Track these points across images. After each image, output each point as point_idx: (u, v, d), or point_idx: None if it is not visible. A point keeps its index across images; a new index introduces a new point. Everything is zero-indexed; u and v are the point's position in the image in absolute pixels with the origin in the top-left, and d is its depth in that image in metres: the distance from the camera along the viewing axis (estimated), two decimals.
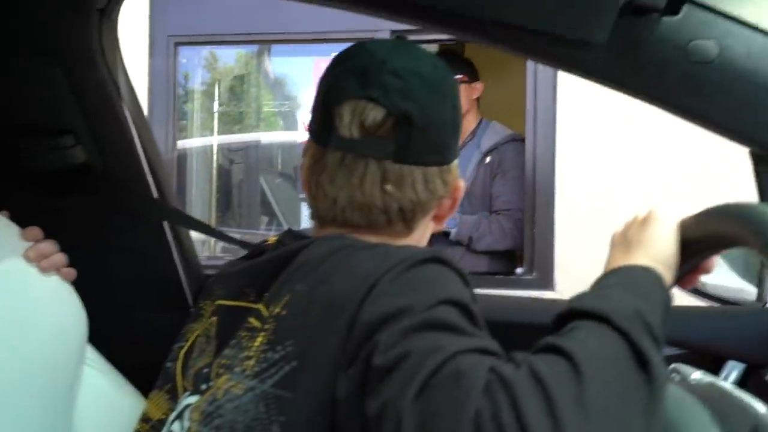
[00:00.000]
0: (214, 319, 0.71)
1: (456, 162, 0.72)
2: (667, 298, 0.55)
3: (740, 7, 0.65)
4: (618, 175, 2.10)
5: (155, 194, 0.94)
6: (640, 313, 0.49)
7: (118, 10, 0.88)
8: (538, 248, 2.20)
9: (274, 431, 0.55)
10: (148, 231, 0.95)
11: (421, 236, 0.72)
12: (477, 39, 0.74)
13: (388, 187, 0.66)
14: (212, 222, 3.54)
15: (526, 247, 2.22)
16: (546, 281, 2.19)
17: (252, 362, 0.58)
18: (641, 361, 0.47)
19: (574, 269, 2.07)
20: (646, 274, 0.55)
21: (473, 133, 2.28)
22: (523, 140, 2.22)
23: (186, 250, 1.01)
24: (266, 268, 0.66)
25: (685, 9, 0.64)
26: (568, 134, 2.15)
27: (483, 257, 2.17)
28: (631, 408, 0.45)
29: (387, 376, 0.49)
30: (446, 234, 2.15)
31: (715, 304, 1.00)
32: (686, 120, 0.71)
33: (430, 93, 0.66)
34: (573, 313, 0.51)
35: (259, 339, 0.60)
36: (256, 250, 0.77)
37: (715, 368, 0.89)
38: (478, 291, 0.63)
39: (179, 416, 0.66)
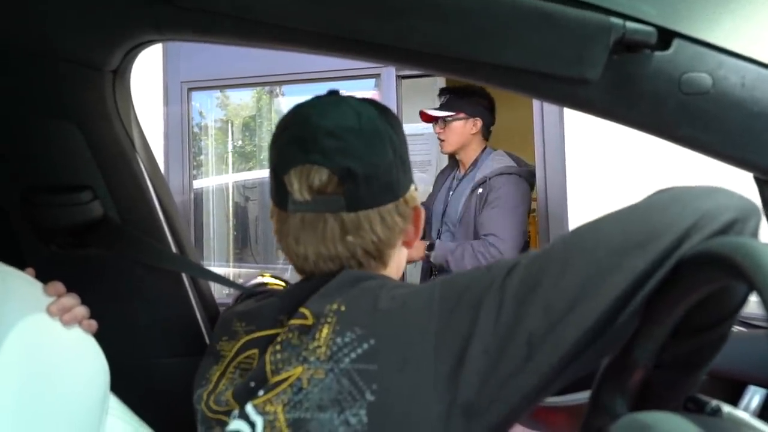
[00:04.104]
0: (253, 352, 0.74)
1: (412, 188, 0.78)
2: None
3: (731, 39, 0.66)
4: (627, 195, 2.10)
5: (171, 244, 0.96)
6: None
7: (131, 68, 0.91)
8: None
9: (367, 397, 0.61)
10: (166, 278, 0.97)
11: (397, 265, 0.79)
12: (475, 80, 0.76)
13: (349, 238, 0.72)
14: (230, 258, 3.58)
15: None
16: None
17: (324, 349, 0.64)
18: None
19: None
20: None
21: (475, 163, 2.29)
22: (514, 173, 2.20)
23: (202, 292, 1.03)
24: (298, 294, 0.72)
25: (676, 44, 0.65)
26: (578, 162, 2.15)
27: None
28: None
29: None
30: (428, 256, 2.19)
31: (740, 328, 0.98)
32: (688, 149, 0.71)
33: (366, 143, 0.71)
34: None
35: (325, 330, 0.65)
36: (264, 292, 0.83)
37: (736, 393, 0.88)
38: None
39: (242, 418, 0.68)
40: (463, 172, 2.34)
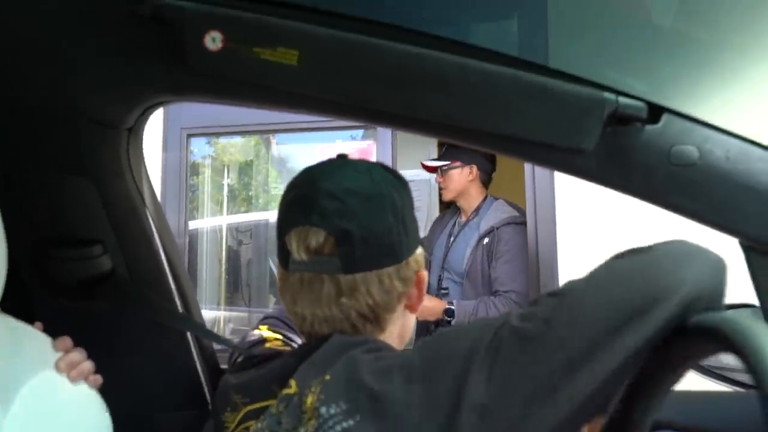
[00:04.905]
0: (250, 423, 0.73)
1: (418, 252, 0.77)
2: None
3: (717, 115, 0.70)
4: (619, 244, 2.12)
5: (177, 300, 0.97)
6: None
7: (144, 127, 0.94)
8: None
9: None
10: (170, 333, 0.98)
11: (400, 330, 0.78)
12: (476, 146, 0.80)
13: (343, 300, 0.72)
14: (221, 301, 3.56)
15: None
16: None
17: (312, 421, 0.62)
18: None
19: None
20: None
21: (476, 211, 2.33)
22: (520, 223, 2.24)
23: (204, 346, 1.04)
24: (291, 363, 0.72)
25: (666, 118, 0.69)
26: (568, 211, 2.18)
27: None
28: None
29: None
30: (449, 322, 2.15)
31: (732, 387, 0.99)
32: (678, 215, 0.75)
33: (367, 206, 0.72)
34: None
35: (310, 399, 0.64)
36: (259, 355, 0.83)
37: None
38: None
39: None
40: (465, 219, 2.37)
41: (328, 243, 0.71)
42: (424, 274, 0.79)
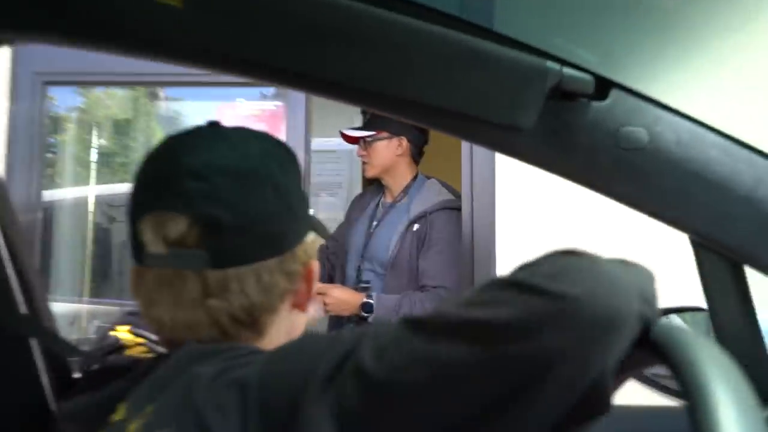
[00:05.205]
0: None
1: (308, 240, 0.77)
2: None
3: (669, 94, 0.74)
4: (564, 238, 2.21)
5: (17, 294, 0.92)
6: None
7: None
8: None
9: None
10: (4, 338, 0.93)
11: (286, 333, 0.77)
12: (398, 116, 0.81)
13: (211, 301, 0.69)
14: (86, 292, 3.44)
15: None
16: None
17: None
18: None
19: None
20: None
21: (405, 191, 2.36)
22: (456, 208, 2.28)
23: (53, 352, 0.99)
24: (125, 385, 0.69)
25: (614, 95, 0.73)
26: (510, 196, 2.23)
27: None
28: None
29: None
30: (364, 318, 2.19)
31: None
32: (623, 205, 0.80)
33: (240, 187, 0.70)
34: None
35: (133, 426, 0.62)
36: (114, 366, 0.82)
37: None
38: None
39: None
40: (390, 200, 2.40)
41: (192, 232, 0.68)
42: (315, 265, 0.78)
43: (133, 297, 0.74)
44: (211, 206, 0.68)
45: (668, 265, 1.75)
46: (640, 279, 0.59)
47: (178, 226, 0.68)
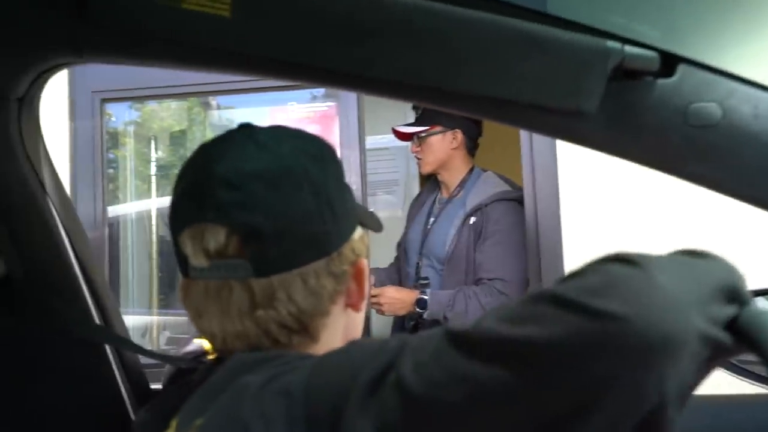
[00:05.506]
0: None
1: (355, 237, 0.75)
2: None
3: (741, 65, 0.70)
4: (633, 226, 2.14)
5: (91, 307, 0.96)
6: None
7: (39, 96, 0.92)
8: None
9: None
10: (85, 349, 0.96)
11: (343, 337, 0.76)
12: (455, 110, 0.79)
13: (259, 312, 0.69)
14: (155, 304, 3.53)
15: None
16: None
17: None
18: None
19: None
20: None
21: (461, 185, 2.33)
22: (513, 199, 2.25)
23: (130, 364, 1.02)
24: (179, 394, 0.70)
25: (682, 70, 0.69)
26: (574, 185, 2.18)
27: None
28: None
29: None
30: (421, 315, 2.18)
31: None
32: (699, 186, 0.76)
33: (276, 189, 0.68)
34: None
35: None
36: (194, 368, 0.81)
37: None
38: None
39: None
40: (447, 195, 2.37)
41: (231, 243, 0.67)
42: (365, 263, 0.76)
43: (184, 308, 0.74)
44: (247, 215, 0.67)
45: (750, 247, 1.68)
46: (711, 278, 0.53)
47: (217, 237, 0.67)
